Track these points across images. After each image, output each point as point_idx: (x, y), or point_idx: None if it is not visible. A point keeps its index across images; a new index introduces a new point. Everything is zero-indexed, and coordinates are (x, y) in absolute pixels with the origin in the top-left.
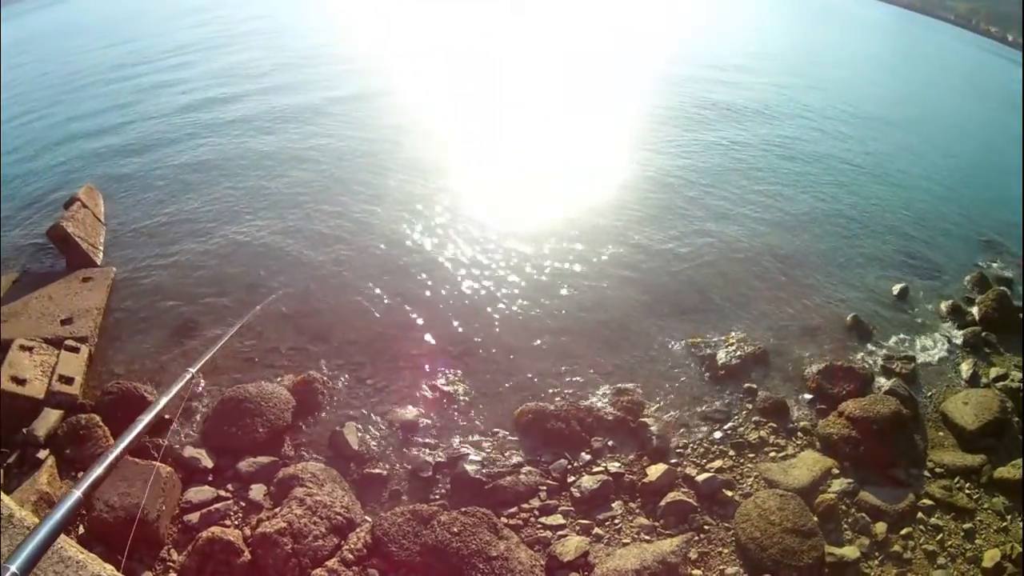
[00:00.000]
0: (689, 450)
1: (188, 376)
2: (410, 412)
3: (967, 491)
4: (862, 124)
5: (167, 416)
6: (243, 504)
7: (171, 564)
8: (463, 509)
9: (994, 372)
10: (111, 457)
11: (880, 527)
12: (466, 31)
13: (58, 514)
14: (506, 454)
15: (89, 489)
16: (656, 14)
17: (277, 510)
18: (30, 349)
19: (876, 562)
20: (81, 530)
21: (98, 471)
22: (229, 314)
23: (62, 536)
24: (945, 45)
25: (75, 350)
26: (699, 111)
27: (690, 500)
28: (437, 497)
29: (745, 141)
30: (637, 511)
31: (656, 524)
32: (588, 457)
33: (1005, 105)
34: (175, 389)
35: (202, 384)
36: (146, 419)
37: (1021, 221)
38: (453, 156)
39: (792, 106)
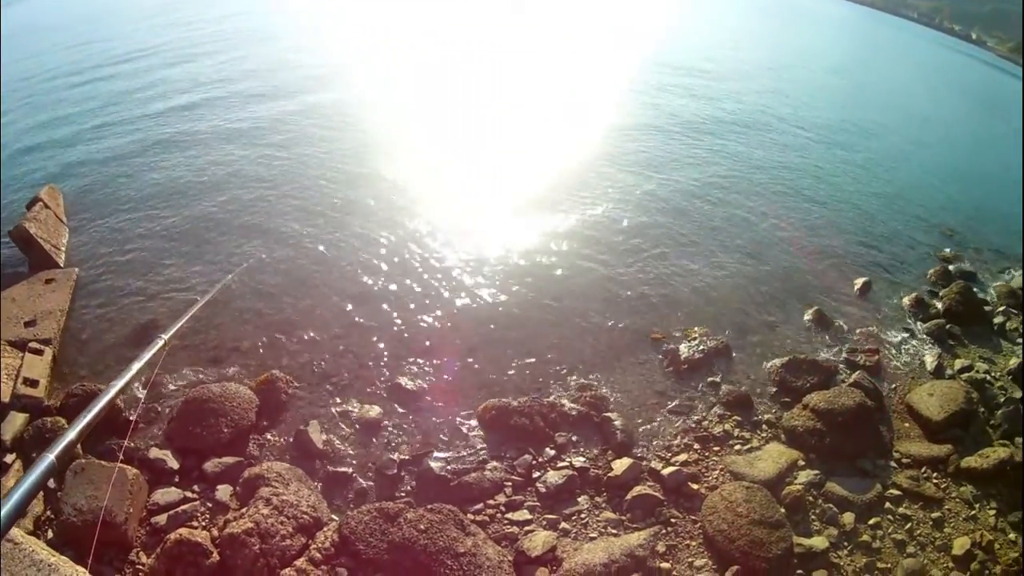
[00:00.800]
0: (654, 444)
1: (160, 343)
2: (374, 410)
3: (934, 481)
4: (824, 121)
5: (131, 417)
6: (210, 505)
7: (140, 567)
8: (429, 506)
9: (959, 364)
10: (83, 423)
11: (848, 517)
12: (458, 31)
13: (31, 477)
14: (471, 451)
15: (63, 453)
16: (632, 16)
17: (244, 510)
18: None
19: (845, 552)
20: (50, 534)
21: (71, 436)
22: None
23: (33, 540)
24: (909, 43)
25: (39, 352)
26: (664, 113)
27: (656, 494)
28: (403, 495)
29: (705, 135)
30: (603, 505)
31: (623, 518)
32: (553, 452)
33: (971, 101)
34: (147, 356)
35: (169, 386)
36: (119, 384)
37: (1022, 221)
38: (423, 158)
39: (757, 104)
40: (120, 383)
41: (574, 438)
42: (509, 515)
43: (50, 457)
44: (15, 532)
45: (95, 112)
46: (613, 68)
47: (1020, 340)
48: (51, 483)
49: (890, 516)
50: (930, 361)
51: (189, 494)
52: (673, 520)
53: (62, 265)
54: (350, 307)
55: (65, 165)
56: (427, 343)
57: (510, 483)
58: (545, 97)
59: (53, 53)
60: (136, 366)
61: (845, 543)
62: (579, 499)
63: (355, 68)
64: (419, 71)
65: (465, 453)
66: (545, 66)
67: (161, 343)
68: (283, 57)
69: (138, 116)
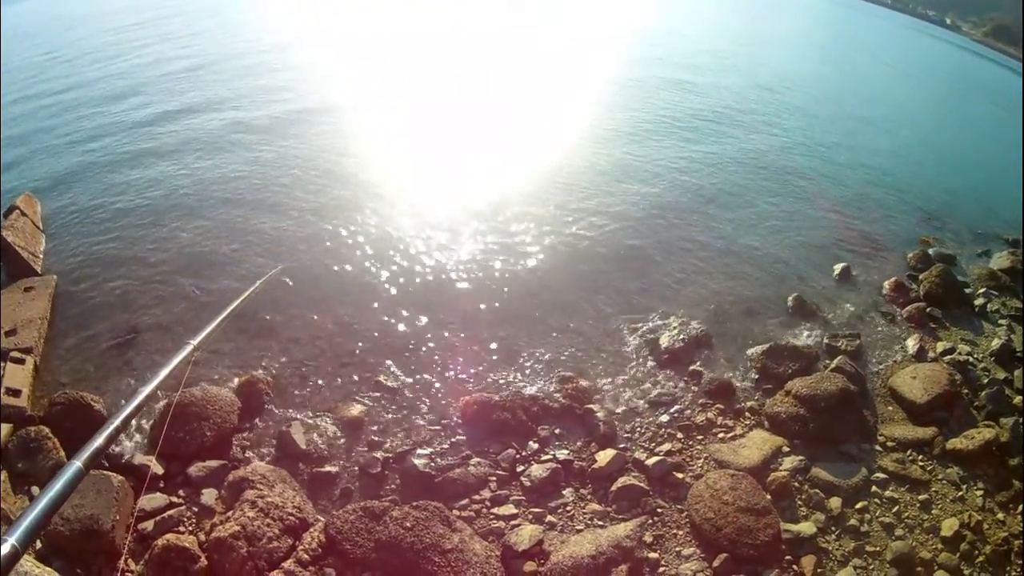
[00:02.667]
0: (637, 434)
1: (189, 348)
2: (355, 409)
3: (920, 463)
4: (799, 109)
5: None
6: (196, 509)
7: (129, 574)
8: (414, 503)
9: (941, 346)
10: (110, 429)
11: (835, 502)
12: (457, 31)
13: (58, 485)
14: (454, 446)
15: (89, 460)
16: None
17: (230, 514)
18: None
19: (833, 536)
20: (39, 545)
21: (98, 442)
22: (171, 318)
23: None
24: (882, 29)
25: (20, 362)
26: (646, 108)
27: (641, 484)
28: (388, 493)
29: (684, 126)
30: (589, 497)
31: (609, 509)
32: (536, 446)
33: (947, 86)
34: (175, 361)
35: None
36: (146, 390)
37: (1022, 210)
38: (408, 155)
39: (736, 93)
40: (147, 389)
41: (557, 431)
42: (495, 510)
43: (77, 464)
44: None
45: (73, 121)
46: (605, 63)
47: (1002, 321)
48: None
49: (877, 500)
50: (912, 344)
51: (175, 499)
52: (659, 510)
53: (40, 273)
54: (326, 307)
55: (41, 172)
56: (406, 340)
57: (494, 478)
58: (537, 93)
59: (31, 59)
60: (164, 371)
61: (833, 528)
62: (564, 492)
63: (349, 70)
64: (416, 70)
65: (448, 449)
66: (542, 65)
67: (190, 348)
68: (271, 60)
69: (118, 126)
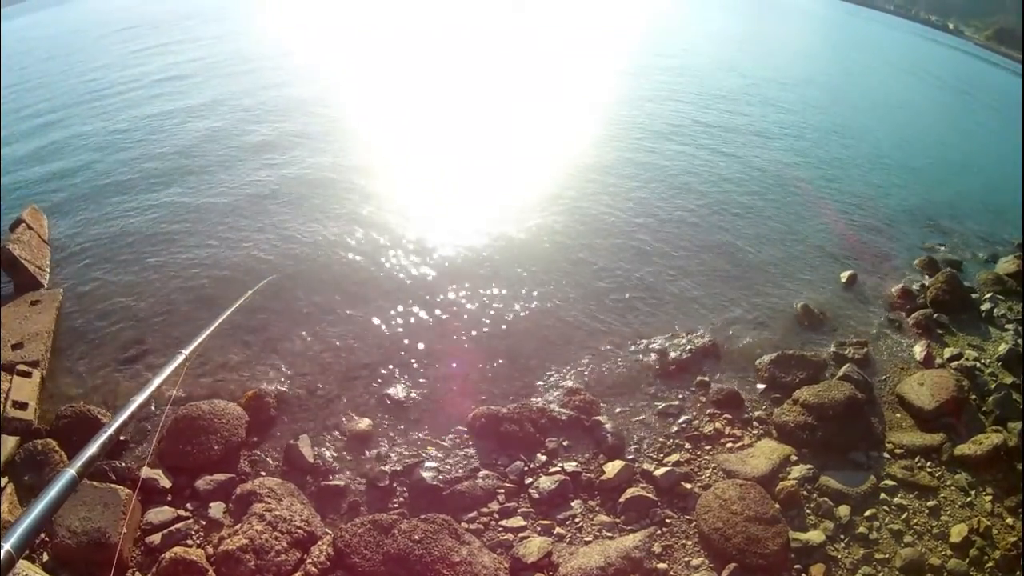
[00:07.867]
0: (645, 446)
1: (181, 358)
2: (363, 422)
3: (928, 469)
4: (803, 118)
5: (122, 436)
6: (203, 523)
7: None
8: (423, 516)
9: (948, 352)
10: (103, 437)
11: (843, 510)
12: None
13: (52, 492)
14: (462, 459)
15: (83, 468)
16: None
17: (238, 527)
18: None
19: (842, 544)
20: (45, 557)
21: (92, 450)
22: (177, 330)
23: (27, 564)
24: (885, 35)
25: (27, 375)
26: (649, 115)
27: (650, 495)
28: (396, 506)
29: (686, 134)
30: (597, 509)
31: (617, 520)
32: (544, 458)
33: (950, 91)
34: (167, 371)
35: (153, 404)
36: (139, 399)
37: (1022, 210)
38: (398, 164)
39: (739, 100)
40: (140, 398)
41: (565, 443)
42: (503, 522)
43: (71, 472)
44: None
45: (79, 135)
46: (606, 70)
47: (1008, 326)
48: None
49: (886, 507)
50: (919, 351)
51: (182, 512)
52: (668, 520)
53: (46, 286)
54: (333, 321)
55: (47, 186)
56: (414, 353)
57: (503, 490)
58: (538, 99)
59: (26, 71)
60: (157, 381)
61: (842, 536)
62: (572, 503)
63: (352, 78)
64: (419, 71)
65: (456, 462)
66: (543, 67)
67: (182, 358)
68: (276, 74)
69: (123, 140)
